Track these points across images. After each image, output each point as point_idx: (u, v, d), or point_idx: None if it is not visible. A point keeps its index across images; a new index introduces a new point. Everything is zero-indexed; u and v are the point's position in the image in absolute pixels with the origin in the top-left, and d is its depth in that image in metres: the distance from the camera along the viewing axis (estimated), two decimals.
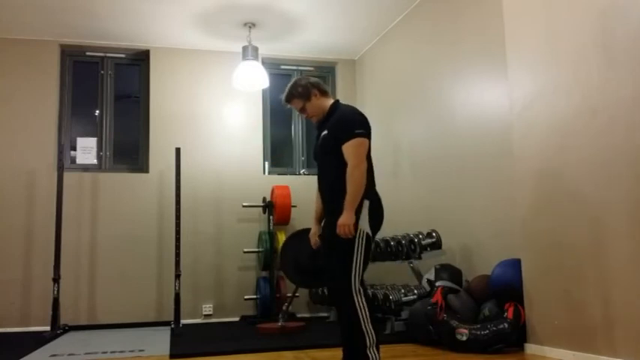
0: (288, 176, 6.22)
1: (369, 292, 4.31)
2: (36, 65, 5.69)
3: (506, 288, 3.54)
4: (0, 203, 5.44)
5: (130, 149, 6.04)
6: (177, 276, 5.04)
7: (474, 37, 4.26)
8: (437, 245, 4.35)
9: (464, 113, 4.39)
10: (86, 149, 5.71)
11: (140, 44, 5.96)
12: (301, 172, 6.40)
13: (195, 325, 5.44)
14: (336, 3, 5.11)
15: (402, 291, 4.38)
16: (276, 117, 6.39)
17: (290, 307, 4.97)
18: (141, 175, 5.85)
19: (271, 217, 5.67)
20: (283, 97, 3.00)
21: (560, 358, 3.17)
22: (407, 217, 5.08)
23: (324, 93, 2.94)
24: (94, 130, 5.93)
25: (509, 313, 3.42)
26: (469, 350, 3.43)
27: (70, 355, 3.83)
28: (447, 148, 4.61)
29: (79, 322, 5.39)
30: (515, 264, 3.54)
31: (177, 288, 5.02)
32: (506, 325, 3.39)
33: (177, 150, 5.28)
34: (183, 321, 5.12)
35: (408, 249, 4.44)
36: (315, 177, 2.95)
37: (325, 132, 2.81)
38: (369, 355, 2.60)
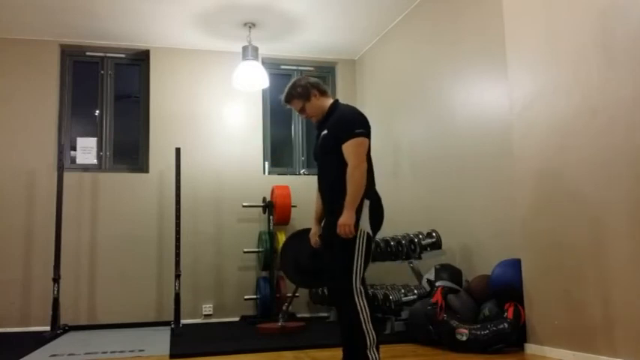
0: (288, 176, 6.22)
1: (369, 292, 4.31)
2: (36, 65, 5.69)
3: (506, 288, 3.54)
4: (0, 203, 5.44)
5: (130, 149, 6.04)
6: (177, 276, 5.04)
7: (474, 37, 4.26)
8: (437, 245, 4.35)
9: (464, 113, 4.39)
10: (86, 149, 5.71)
11: (140, 44, 5.96)
12: (301, 172, 6.40)
13: (195, 325, 5.44)
14: (336, 3, 5.11)
15: (402, 291, 4.38)
16: (276, 117, 6.39)
17: (290, 307, 4.97)
18: (141, 175, 5.85)
19: (271, 217, 5.67)
20: (283, 97, 2.99)
21: (560, 358, 3.17)
22: (407, 217, 5.08)
23: (323, 93, 2.94)
24: (94, 130, 5.93)
25: (509, 313, 3.42)
26: (469, 350, 3.43)
27: (70, 355, 3.83)
28: (447, 148, 4.61)
29: (79, 322, 5.39)
30: (515, 264, 3.54)
31: (177, 288, 5.02)
32: (506, 325, 3.39)
33: (177, 150, 5.28)
34: (183, 321, 5.12)
35: (408, 249, 4.44)
36: (315, 177, 2.95)
37: (325, 132, 2.81)
38: (369, 355, 2.59)
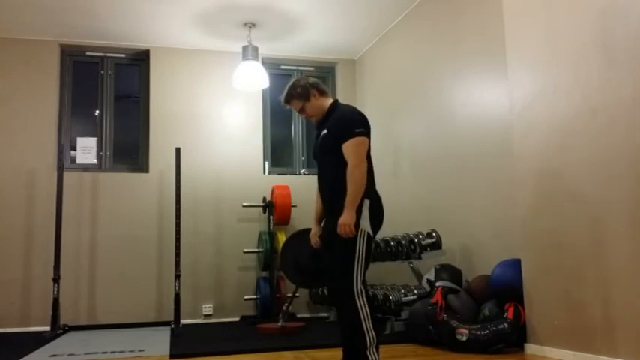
0: (288, 176, 6.22)
1: (369, 292, 4.31)
2: (36, 65, 5.69)
3: (506, 288, 3.54)
4: (0, 203, 5.44)
5: (130, 149, 6.04)
6: (177, 276, 5.04)
7: (474, 37, 4.26)
8: (437, 245, 4.35)
9: (464, 113, 4.39)
10: (86, 149, 5.71)
11: (140, 44, 5.96)
12: (301, 172, 6.40)
13: (195, 325, 5.44)
14: (336, 3, 5.11)
15: (402, 291, 4.38)
16: (276, 117, 6.39)
17: (290, 307, 4.97)
18: (141, 175, 5.85)
19: (271, 217, 5.67)
20: (282, 97, 2.99)
21: (560, 358, 3.17)
22: (407, 217, 5.08)
23: (323, 93, 2.93)
24: (94, 130, 5.93)
25: (509, 313, 3.42)
26: (469, 350, 3.43)
27: (70, 355, 3.83)
28: (447, 148, 4.61)
29: (79, 322, 5.39)
30: (515, 264, 3.54)
31: (177, 288, 5.02)
32: (506, 325, 3.39)
33: (177, 150, 5.28)
34: (183, 321, 5.12)
35: (408, 249, 4.44)
36: (315, 177, 2.94)
37: (325, 132, 2.81)
38: (369, 356, 2.59)
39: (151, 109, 5.90)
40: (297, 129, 6.47)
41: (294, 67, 6.49)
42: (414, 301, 4.20)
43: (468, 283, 4.01)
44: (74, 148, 5.76)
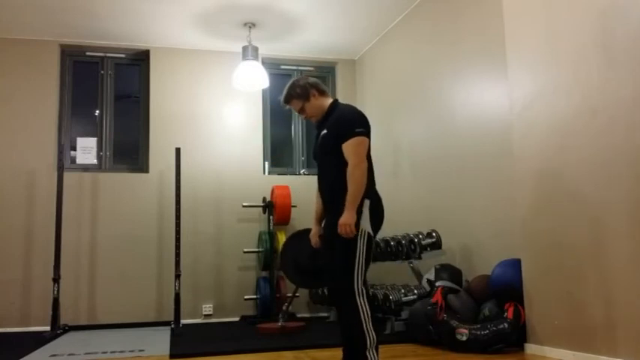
0: (288, 176, 6.22)
1: (370, 292, 4.31)
2: (36, 65, 5.69)
3: (506, 288, 3.54)
4: (0, 203, 5.44)
5: (130, 149, 6.04)
6: (177, 276, 5.04)
7: (474, 37, 4.26)
8: (437, 245, 4.35)
9: (464, 113, 4.39)
10: (86, 149, 5.71)
11: (140, 44, 5.96)
12: (301, 172, 6.40)
13: (195, 325, 5.44)
14: (336, 3, 5.11)
15: (402, 291, 4.38)
16: (276, 117, 6.39)
17: (290, 307, 4.97)
18: (141, 175, 5.85)
19: (271, 217, 5.67)
20: (282, 98, 2.98)
21: (560, 358, 3.17)
22: (407, 217, 5.08)
23: (322, 93, 2.93)
24: (94, 130, 5.93)
25: (509, 313, 3.42)
26: (469, 350, 3.43)
27: (70, 355, 3.83)
28: (447, 148, 4.61)
29: (79, 322, 5.39)
30: (515, 264, 3.54)
31: (177, 288, 5.02)
32: (506, 325, 3.39)
33: (177, 150, 5.28)
34: (183, 321, 5.12)
35: (408, 249, 4.44)
36: (315, 177, 2.94)
37: (325, 131, 2.80)
38: (368, 356, 2.58)
39: (151, 109, 5.90)
40: (297, 129, 6.47)
41: (294, 67, 6.49)
42: (414, 301, 4.20)
43: (468, 283, 4.01)
44: (74, 148, 5.76)
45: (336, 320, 2.97)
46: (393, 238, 4.66)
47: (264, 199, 5.90)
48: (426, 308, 3.72)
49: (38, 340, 4.49)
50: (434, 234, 4.38)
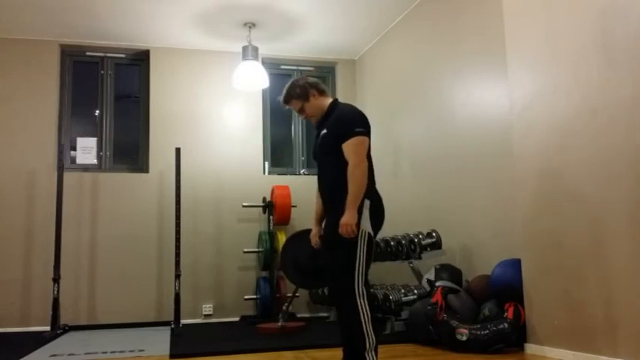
0: (288, 176, 6.22)
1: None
2: (36, 65, 5.69)
3: (506, 288, 3.54)
4: (0, 203, 5.44)
5: (130, 149, 6.04)
6: (177, 276, 5.04)
7: (474, 37, 4.26)
8: (437, 245, 4.35)
9: (464, 113, 4.39)
10: (86, 149, 5.71)
11: (140, 44, 5.96)
12: (301, 172, 6.40)
13: (195, 325, 5.44)
14: (336, 3, 5.11)
15: (402, 291, 4.38)
16: (276, 117, 6.39)
17: (290, 307, 4.97)
18: (141, 175, 5.85)
19: (271, 217, 5.67)
20: (281, 98, 2.97)
21: (560, 358, 3.17)
22: (407, 217, 5.08)
23: (322, 92, 2.92)
24: (94, 130, 5.93)
25: (509, 313, 3.42)
26: (469, 350, 3.43)
27: (70, 355, 3.83)
28: (447, 148, 4.61)
29: (79, 322, 5.39)
30: (515, 264, 3.54)
31: (177, 288, 5.02)
32: (506, 325, 3.39)
33: (177, 150, 5.28)
34: (183, 321, 5.12)
35: (408, 249, 4.44)
36: (315, 177, 2.94)
37: (324, 131, 2.80)
38: (367, 358, 2.57)
39: (151, 109, 5.90)
40: (297, 129, 6.47)
41: (294, 67, 6.49)
42: (414, 301, 4.20)
43: (468, 283, 4.01)
44: (74, 148, 5.76)
45: (336, 320, 2.96)
46: (393, 238, 4.66)
47: (264, 199, 5.90)
48: (426, 308, 3.71)
49: (38, 340, 4.49)
50: (434, 234, 4.38)
